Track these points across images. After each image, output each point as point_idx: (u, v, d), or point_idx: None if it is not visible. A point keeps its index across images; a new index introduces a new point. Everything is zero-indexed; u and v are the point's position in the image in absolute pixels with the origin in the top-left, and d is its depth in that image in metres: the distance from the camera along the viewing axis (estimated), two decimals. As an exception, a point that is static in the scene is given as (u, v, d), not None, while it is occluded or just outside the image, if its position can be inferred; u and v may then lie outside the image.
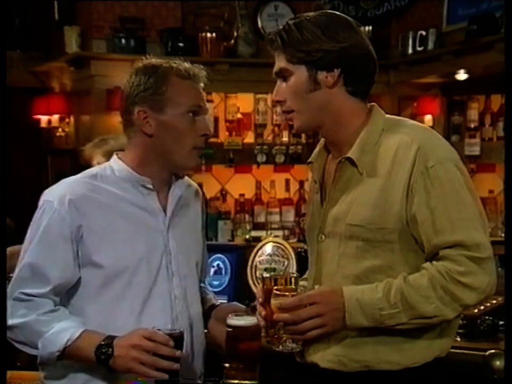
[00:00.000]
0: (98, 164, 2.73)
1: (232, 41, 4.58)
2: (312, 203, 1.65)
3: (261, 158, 4.64)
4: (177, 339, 1.52)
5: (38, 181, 4.89)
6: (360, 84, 1.56)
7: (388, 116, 1.60)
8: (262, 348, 1.57)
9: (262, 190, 4.77)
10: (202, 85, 1.68)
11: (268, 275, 1.58)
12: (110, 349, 1.52)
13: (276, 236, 3.53)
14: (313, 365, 1.57)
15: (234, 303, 1.83)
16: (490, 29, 3.83)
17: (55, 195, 1.62)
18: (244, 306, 1.74)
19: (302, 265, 2.35)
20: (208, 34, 4.51)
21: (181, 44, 4.46)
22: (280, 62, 1.56)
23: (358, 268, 1.51)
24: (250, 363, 1.54)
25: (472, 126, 4.51)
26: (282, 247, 2.64)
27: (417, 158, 1.48)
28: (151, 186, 1.67)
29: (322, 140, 1.66)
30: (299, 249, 2.62)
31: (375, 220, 1.49)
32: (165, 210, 1.69)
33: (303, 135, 4.63)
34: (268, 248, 2.66)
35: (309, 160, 1.67)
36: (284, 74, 1.56)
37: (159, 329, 1.52)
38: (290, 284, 1.52)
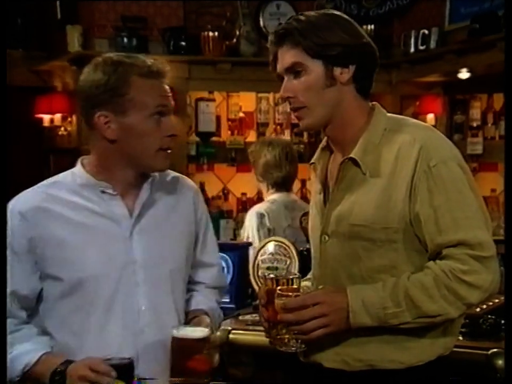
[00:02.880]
0: None
1: (235, 40, 4.58)
2: (314, 203, 1.65)
3: (263, 157, 4.63)
4: (125, 368, 1.46)
5: (40, 181, 4.89)
6: (366, 81, 1.56)
7: (390, 115, 1.60)
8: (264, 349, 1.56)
9: (264, 189, 4.76)
10: (166, 81, 1.56)
11: (271, 276, 1.57)
12: (63, 377, 1.47)
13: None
14: (316, 364, 1.57)
15: (202, 316, 1.66)
16: (493, 27, 3.83)
17: (9, 207, 1.57)
18: (207, 320, 1.63)
19: (305, 264, 2.35)
20: (210, 33, 4.50)
21: (183, 43, 4.46)
22: (292, 57, 1.52)
23: (362, 267, 1.51)
24: (196, 378, 1.48)
25: (475, 124, 4.51)
26: (285, 246, 2.64)
27: (420, 157, 1.48)
28: (111, 191, 1.57)
29: (324, 140, 1.66)
30: (301, 249, 2.62)
31: (379, 219, 1.49)
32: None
33: (305, 134, 4.63)
34: (270, 247, 2.65)
35: (312, 161, 1.67)
36: (296, 70, 1.52)
37: (108, 359, 1.46)
38: (292, 285, 1.52)
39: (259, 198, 4.79)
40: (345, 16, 1.57)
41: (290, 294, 1.49)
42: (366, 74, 1.55)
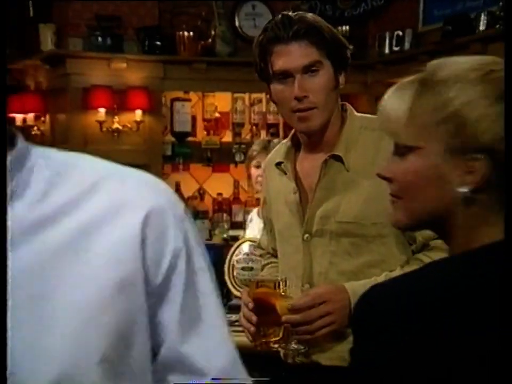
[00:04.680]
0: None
1: (210, 40, 4.57)
2: (286, 203, 1.63)
3: (238, 157, 4.63)
4: None
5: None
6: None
7: (358, 114, 1.63)
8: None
9: (240, 189, 4.76)
10: None
11: (261, 278, 1.55)
12: None
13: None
14: (314, 364, 1.57)
15: None
16: (465, 29, 3.87)
17: None
18: None
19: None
20: (186, 33, 4.49)
21: (158, 43, 4.44)
22: (312, 54, 1.51)
23: (352, 263, 1.53)
24: None
25: (448, 125, 4.56)
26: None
27: None
28: None
29: (287, 139, 1.66)
30: (277, 249, 2.62)
31: (368, 215, 1.51)
32: None
33: (281, 134, 4.64)
34: (245, 247, 2.65)
35: (279, 160, 1.65)
36: (313, 69, 1.51)
37: None
38: (279, 287, 1.50)
39: (235, 198, 4.80)
40: None
41: (291, 295, 1.48)
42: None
